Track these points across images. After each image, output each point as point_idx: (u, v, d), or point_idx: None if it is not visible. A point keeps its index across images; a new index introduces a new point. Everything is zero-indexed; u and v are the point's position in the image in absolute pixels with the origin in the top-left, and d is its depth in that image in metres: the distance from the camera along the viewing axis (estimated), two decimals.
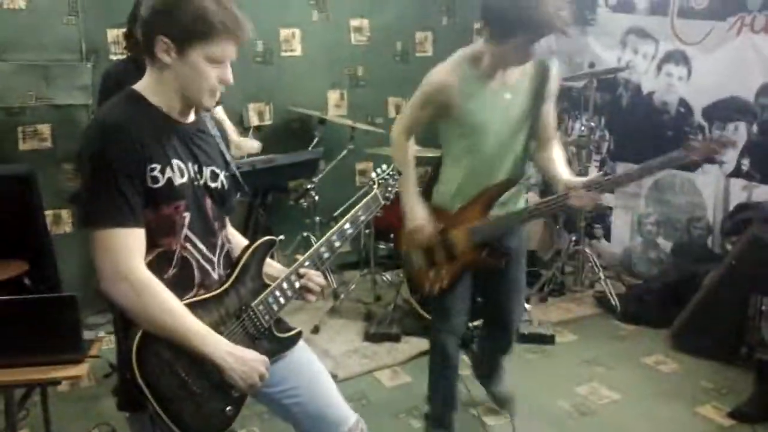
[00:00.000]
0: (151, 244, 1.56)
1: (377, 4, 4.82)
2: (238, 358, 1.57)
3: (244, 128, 4.45)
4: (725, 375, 3.33)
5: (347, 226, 1.86)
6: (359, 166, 4.99)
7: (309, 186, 4.20)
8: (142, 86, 1.61)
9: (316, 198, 4.23)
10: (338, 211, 4.30)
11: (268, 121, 4.58)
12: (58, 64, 3.82)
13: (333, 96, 4.81)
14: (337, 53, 4.76)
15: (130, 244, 1.50)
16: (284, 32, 4.54)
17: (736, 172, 3.85)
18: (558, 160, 2.40)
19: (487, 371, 2.84)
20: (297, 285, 1.75)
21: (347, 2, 4.72)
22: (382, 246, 4.40)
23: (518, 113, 2.29)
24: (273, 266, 1.82)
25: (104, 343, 3.00)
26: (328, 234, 1.83)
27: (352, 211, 1.90)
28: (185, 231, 1.61)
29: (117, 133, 1.50)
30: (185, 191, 1.59)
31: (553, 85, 2.34)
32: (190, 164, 1.63)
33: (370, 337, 3.70)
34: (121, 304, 1.50)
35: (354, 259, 4.64)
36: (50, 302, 2.30)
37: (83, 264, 3.74)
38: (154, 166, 1.53)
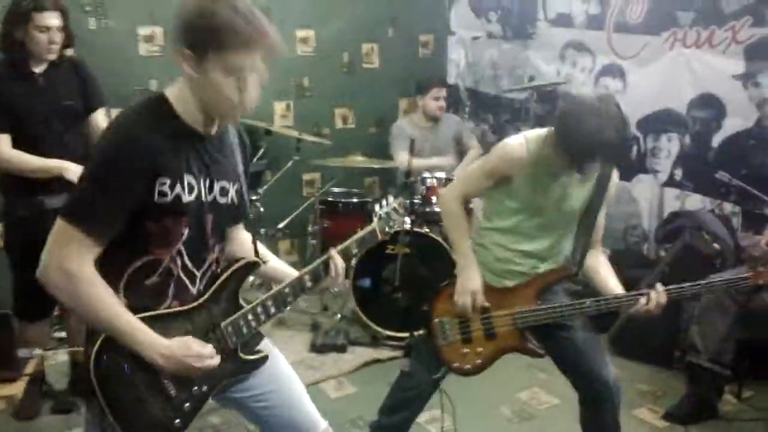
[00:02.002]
0: (143, 251, 1.57)
1: (323, 16, 4.85)
2: (170, 359, 1.56)
3: None
4: (660, 378, 3.46)
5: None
6: (306, 176, 4.99)
7: (254, 197, 4.19)
8: (173, 93, 1.58)
9: (262, 209, 4.21)
10: (284, 222, 4.30)
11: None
12: None
13: (279, 107, 4.81)
14: (283, 64, 4.74)
15: (83, 250, 1.49)
16: None
17: (670, 182, 3.99)
18: (609, 271, 2.32)
19: None
20: (272, 311, 1.73)
21: (292, 13, 4.73)
22: None
23: (573, 207, 2.25)
24: (278, 269, 1.85)
25: (42, 359, 2.95)
26: (315, 263, 1.77)
27: (345, 243, 1.83)
28: (179, 245, 1.60)
29: (131, 145, 1.49)
30: (191, 208, 1.59)
31: (612, 192, 2.32)
32: (202, 180, 1.61)
33: (316, 348, 3.70)
34: (55, 293, 1.51)
35: None
36: None
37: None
38: (164, 180, 1.52)
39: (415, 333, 2.66)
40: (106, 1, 4.10)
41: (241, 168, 1.75)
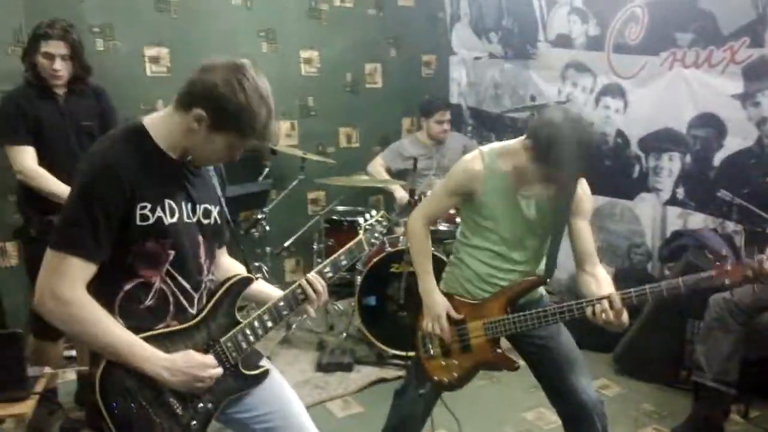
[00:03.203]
0: (131, 273, 1.63)
1: (326, 37, 4.91)
2: (174, 371, 1.61)
3: None
4: (666, 398, 3.45)
5: (327, 269, 1.89)
6: (311, 195, 5.03)
7: (259, 216, 4.22)
8: (151, 121, 1.65)
9: (267, 228, 4.24)
10: (289, 241, 4.32)
11: None
12: (3, 95, 3.75)
13: (284, 126, 4.85)
14: (287, 84, 4.81)
15: (76, 273, 1.55)
16: None
17: (672, 201, 4.02)
18: (603, 280, 2.23)
19: None
20: (269, 324, 1.79)
21: (297, 34, 4.79)
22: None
23: (539, 216, 2.26)
24: (263, 290, 1.88)
25: (52, 377, 2.94)
26: (306, 276, 1.84)
27: (334, 255, 1.92)
28: (167, 267, 1.65)
29: (109, 172, 1.55)
30: (174, 230, 1.64)
31: (584, 202, 2.27)
32: (183, 203, 1.68)
33: (322, 368, 3.71)
34: (52, 320, 1.57)
35: None
36: None
37: (30, 299, 3.66)
38: (144, 205, 1.58)
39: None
40: (113, 22, 4.16)
41: (219, 192, 1.84)
